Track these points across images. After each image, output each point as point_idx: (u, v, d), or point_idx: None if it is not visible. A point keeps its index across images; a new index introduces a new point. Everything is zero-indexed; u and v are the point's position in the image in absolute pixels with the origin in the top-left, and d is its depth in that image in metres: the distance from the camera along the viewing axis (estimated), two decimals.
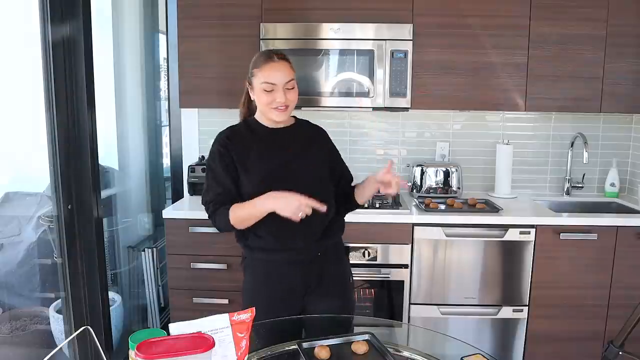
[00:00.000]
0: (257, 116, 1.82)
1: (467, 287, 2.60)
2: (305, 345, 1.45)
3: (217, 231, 2.53)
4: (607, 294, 2.59)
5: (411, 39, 2.61)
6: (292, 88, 1.72)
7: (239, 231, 1.78)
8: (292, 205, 1.56)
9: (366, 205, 2.61)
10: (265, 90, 1.69)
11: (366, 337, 1.46)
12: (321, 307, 1.79)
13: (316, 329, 1.75)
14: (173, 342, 1.07)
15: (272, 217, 1.65)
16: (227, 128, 1.84)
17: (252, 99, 1.80)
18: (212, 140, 3.07)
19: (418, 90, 2.70)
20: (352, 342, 1.43)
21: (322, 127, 1.94)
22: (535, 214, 2.63)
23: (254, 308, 1.19)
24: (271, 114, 1.73)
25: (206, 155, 3.03)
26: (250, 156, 1.75)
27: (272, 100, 1.70)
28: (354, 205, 1.89)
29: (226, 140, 1.78)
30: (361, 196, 1.85)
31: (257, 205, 1.64)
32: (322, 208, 1.61)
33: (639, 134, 3.03)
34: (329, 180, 1.84)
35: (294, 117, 1.87)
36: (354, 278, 2.58)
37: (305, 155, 1.80)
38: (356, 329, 1.75)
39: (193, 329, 1.12)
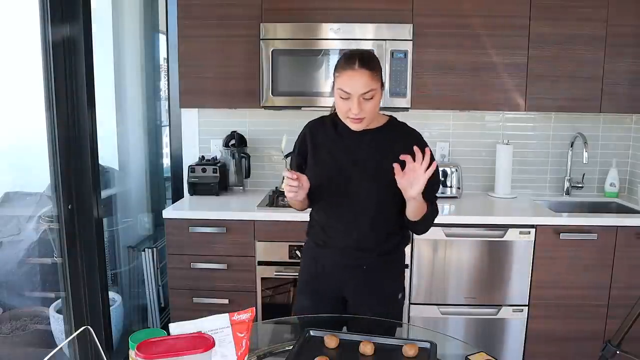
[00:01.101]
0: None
1: (467, 287, 2.60)
2: (313, 333, 1.46)
3: (217, 231, 2.56)
4: (607, 294, 2.60)
5: (411, 39, 2.61)
6: (371, 98, 1.60)
7: (309, 220, 1.86)
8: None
9: None
10: (341, 97, 1.61)
11: (427, 345, 1.40)
12: (361, 312, 1.75)
13: (357, 329, 1.64)
14: (173, 342, 1.07)
15: (324, 211, 1.76)
16: (318, 117, 1.84)
17: None
18: (212, 140, 3.11)
19: (418, 90, 2.70)
20: (360, 342, 1.42)
21: (418, 132, 1.78)
22: (535, 214, 2.63)
23: (253, 308, 1.19)
24: (347, 122, 1.67)
25: (206, 155, 3.07)
26: (322, 152, 1.74)
27: (347, 110, 1.62)
28: (409, 223, 1.72)
29: (307, 131, 1.81)
30: (407, 210, 1.67)
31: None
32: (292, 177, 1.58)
33: (639, 134, 3.03)
34: (400, 194, 1.65)
35: (390, 116, 1.79)
36: None
37: (378, 167, 1.67)
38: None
39: (193, 329, 1.12)
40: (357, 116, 1.61)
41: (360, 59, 1.59)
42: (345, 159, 1.72)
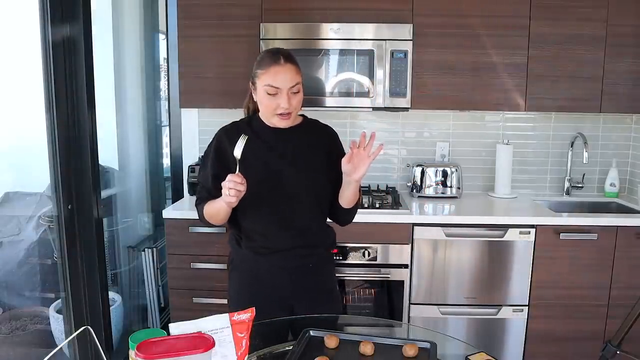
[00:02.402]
0: (261, 114, 1.73)
1: (467, 287, 2.60)
2: (313, 333, 1.46)
3: (217, 231, 2.56)
4: (607, 294, 2.60)
5: (411, 39, 2.61)
6: (297, 92, 1.63)
7: (231, 233, 1.79)
8: (225, 188, 1.51)
9: (366, 205, 2.62)
10: (269, 94, 1.60)
11: (427, 345, 1.40)
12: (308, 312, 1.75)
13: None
14: (173, 342, 1.07)
15: (261, 217, 1.69)
16: (230, 123, 1.78)
17: (255, 99, 1.71)
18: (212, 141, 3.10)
19: (418, 90, 2.70)
20: (360, 342, 1.42)
21: (332, 128, 1.83)
22: (535, 214, 2.63)
23: (254, 308, 1.19)
24: (274, 119, 1.65)
25: None
26: (247, 157, 1.60)
27: (275, 106, 1.60)
28: (340, 211, 1.75)
29: (224, 137, 1.72)
30: (341, 197, 1.71)
31: (218, 202, 1.62)
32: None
33: (639, 134, 3.04)
34: (330, 188, 1.73)
35: (302, 115, 1.78)
36: (354, 278, 2.60)
37: (307, 161, 1.71)
38: (358, 330, 1.75)
39: (193, 329, 1.12)
40: (287, 110, 1.61)
41: (284, 55, 1.62)
42: (271, 155, 1.68)
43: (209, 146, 1.77)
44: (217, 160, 1.71)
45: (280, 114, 1.62)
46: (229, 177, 1.50)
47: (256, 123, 1.73)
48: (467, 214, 2.61)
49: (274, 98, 1.60)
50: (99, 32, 2.66)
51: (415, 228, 2.55)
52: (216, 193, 1.63)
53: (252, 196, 1.64)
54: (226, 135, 1.72)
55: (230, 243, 1.83)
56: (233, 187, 1.49)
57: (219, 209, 1.64)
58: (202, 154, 1.85)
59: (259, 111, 1.74)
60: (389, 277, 2.58)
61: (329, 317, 1.76)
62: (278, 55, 1.62)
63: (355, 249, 2.56)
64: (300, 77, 1.64)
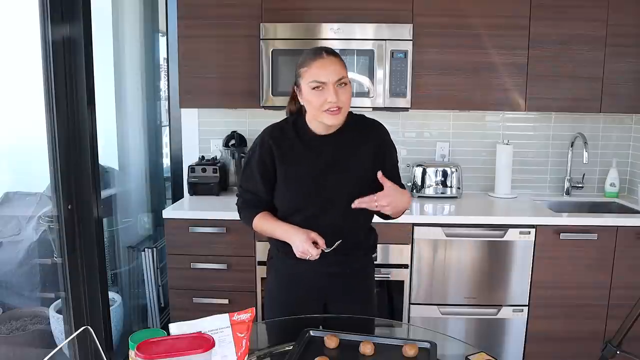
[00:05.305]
0: (307, 119, 1.66)
1: (467, 287, 2.60)
2: (313, 333, 1.46)
3: (217, 231, 2.56)
4: (607, 294, 2.60)
5: (411, 39, 2.61)
6: (345, 85, 1.55)
7: None
8: (299, 249, 1.58)
9: None
10: (314, 90, 1.53)
11: (427, 345, 1.40)
12: (342, 312, 1.75)
13: (336, 329, 1.60)
14: (173, 342, 1.07)
15: (304, 222, 1.64)
16: (276, 125, 1.71)
17: (301, 104, 1.63)
18: (212, 141, 3.11)
19: (418, 90, 2.70)
20: (361, 342, 1.41)
21: (379, 122, 1.76)
22: (535, 214, 2.63)
23: (253, 308, 1.19)
24: (323, 118, 1.56)
25: (206, 155, 3.06)
26: (294, 165, 1.63)
27: (323, 102, 1.52)
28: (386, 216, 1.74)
29: (272, 142, 1.66)
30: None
31: (277, 231, 1.66)
32: (322, 247, 1.58)
33: (639, 134, 3.04)
34: (374, 188, 1.66)
35: (348, 112, 1.69)
36: None
37: (352, 165, 1.65)
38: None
39: (193, 329, 1.12)
40: (335, 104, 1.52)
41: (326, 50, 1.58)
42: (315, 162, 1.64)
43: (252, 151, 1.71)
44: (264, 163, 1.67)
45: (329, 110, 1.54)
46: (310, 245, 1.56)
47: (301, 125, 1.66)
48: (467, 214, 2.61)
49: (321, 93, 1.53)
50: (99, 32, 2.66)
51: (416, 228, 2.55)
52: (266, 196, 1.68)
53: (294, 202, 1.63)
54: (273, 140, 1.67)
55: (270, 240, 1.79)
56: (308, 252, 1.56)
57: (273, 233, 1.68)
58: (245, 157, 1.80)
59: (303, 115, 1.68)
60: (389, 277, 2.58)
61: (362, 318, 1.74)
62: (320, 50, 1.57)
63: None
64: (346, 72, 1.57)
